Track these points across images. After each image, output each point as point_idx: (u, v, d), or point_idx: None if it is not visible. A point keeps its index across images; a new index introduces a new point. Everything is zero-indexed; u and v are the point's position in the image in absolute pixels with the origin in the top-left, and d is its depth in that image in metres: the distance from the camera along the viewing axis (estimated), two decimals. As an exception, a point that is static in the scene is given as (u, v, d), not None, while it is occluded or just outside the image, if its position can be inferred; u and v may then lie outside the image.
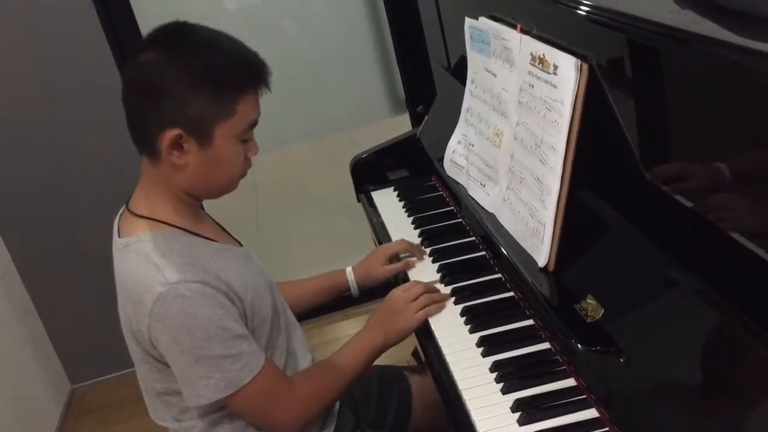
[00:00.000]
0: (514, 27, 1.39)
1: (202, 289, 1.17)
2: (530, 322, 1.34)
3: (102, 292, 1.75)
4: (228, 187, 1.28)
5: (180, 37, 1.20)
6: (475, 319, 1.38)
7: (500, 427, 1.13)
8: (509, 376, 1.22)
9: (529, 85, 1.32)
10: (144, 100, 1.19)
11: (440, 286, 1.50)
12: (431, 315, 1.41)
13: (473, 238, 1.64)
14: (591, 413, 1.11)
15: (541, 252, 1.29)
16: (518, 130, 1.39)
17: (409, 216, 1.81)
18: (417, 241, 1.68)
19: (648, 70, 1.05)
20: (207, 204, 1.37)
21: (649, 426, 0.99)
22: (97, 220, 1.84)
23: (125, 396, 2.54)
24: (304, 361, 1.42)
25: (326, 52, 2.95)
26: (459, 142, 1.70)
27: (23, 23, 2.31)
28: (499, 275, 1.49)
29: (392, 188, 1.97)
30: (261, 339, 1.30)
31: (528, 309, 1.36)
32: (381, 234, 1.79)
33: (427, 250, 1.64)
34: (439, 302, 1.43)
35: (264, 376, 1.23)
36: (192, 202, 1.28)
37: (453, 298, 1.45)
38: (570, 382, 1.18)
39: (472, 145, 1.62)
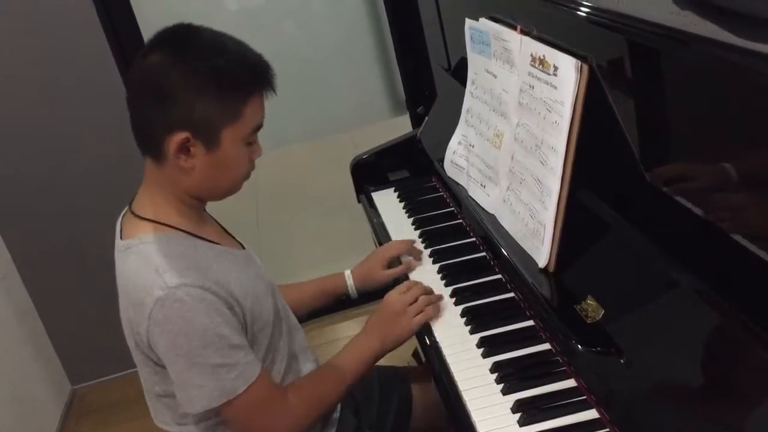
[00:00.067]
0: (514, 28, 1.39)
1: (202, 294, 1.17)
2: (531, 323, 1.34)
3: (102, 293, 1.75)
4: (233, 189, 1.27)
5: (186, 39, 1.19)
6: (475, 319, 1.38)
7: (501, 427, 1.13)
8: (510, 376, 1.22)
9: (530, 86, 1.33)
10: (150, 103, 1.18)
11: (439, 286, 1.49)
12: (430, 319, 1.40)
13: (473, 239, 1.64)
14: (591, 414, 1.11)
15: (542, 253, 1.29)
16: (518, 131, 1.39)
17: (409, 217, 1.81)
18: (417, 241, 1.68)
19: (648, 71, 1.05)
20: (208, 205, 1.37)
21: (650, 427, 0.99)
22: (97, 220, 1.84)
23: (126, 397, 2.54)
24: (306, 364, 1.42)
25: (326, 53, 2.94)
26: (459, 143, 1.70)
27: (23, 23, 2.31)
28: (499, 276, 1.49)
29: (392, 189, 1.97)
30: (262, 343, 1.29)
31: (528, 310, 1.36)
32: (381, 234, 1.79)
33: (428, 251, 1.64)
34: (436, 303, 1.42)
35: (258, 387, 1.22)
36: (195, 204, 1.28)
37: (453, 299, 1.45)
38: (570, 382, 1.18)
39: (473, 146, 1.62)
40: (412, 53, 2.36)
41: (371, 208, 1.92)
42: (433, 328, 1.39)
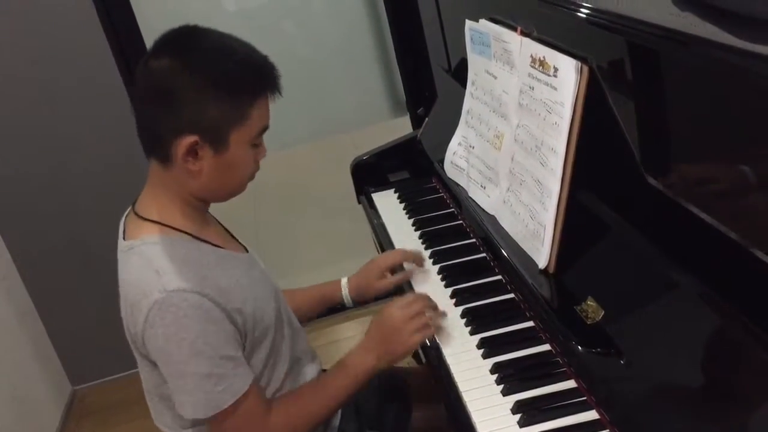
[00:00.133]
0: (514, 29, 1.39)
1: (199, 301, 1.16)
2: (531, 323, 1.34)
3: (103, 293, 1.75)
4: (238, 190, 1.27)
5: (192, 42, 1.19)
6: (475, 320, 1.38)
7: (501, 428, 1.13)
8: (510, 377, 1.22)
9: (530, 87, 1.33)
10: (157, 106, 1.17)
11: (439, 287, 1.49)
12: (429, 335, 1.35)
13: (474, 240, 1.64)
14: (591, 415, 1.11)
15: (542, 254, 1.29)
16: (518, 132, 1.39)
17: (409, 218, 1.81)
18: (417, 241, 1.68)
19: (648, 73, 1.05)
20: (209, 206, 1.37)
21: (650, 428, 0.99)
22: (98, 220, 1.84)
23: (126, 398, 2.54)
24: (309, 367, 1.42)
25: (326, 53, 2.94)
26: (459, 144, 1.70)
27: (23, 23, 2.31)
28: (499, 277, 1.49)
29: (393, 190, 1.97)
30: (264, 347, 1.29)
31: (528, 311, 1.36)
32: (381, 235, 1.79)
33: (428, 252, 1.64)
34: (437, 320, 1.37)
35: (244, 402, 1.20)
36: (200, 205, 1.27)
37: (454, 300, 1.45)
38: (570, 383, 1.18)
39: (473, 147, 1.62)
40: (412, 54, 2.36)
41: (371, 209, 1.92)
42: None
